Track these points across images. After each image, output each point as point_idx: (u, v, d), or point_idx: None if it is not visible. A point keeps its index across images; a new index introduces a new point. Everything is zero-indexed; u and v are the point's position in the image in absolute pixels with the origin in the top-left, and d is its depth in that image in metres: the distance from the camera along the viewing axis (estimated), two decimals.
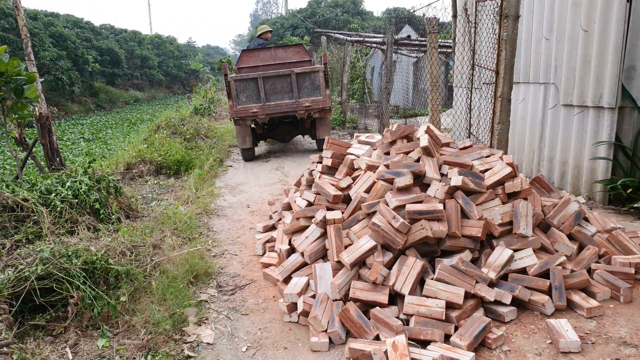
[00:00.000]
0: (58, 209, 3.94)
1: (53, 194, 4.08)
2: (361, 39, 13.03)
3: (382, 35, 11.52)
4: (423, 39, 10.49)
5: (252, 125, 8.67)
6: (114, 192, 4.77)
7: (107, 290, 3.09)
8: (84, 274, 2.99)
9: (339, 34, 15.99)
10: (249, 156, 8.84)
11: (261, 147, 10.03)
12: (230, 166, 8.35)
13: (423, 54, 12.61)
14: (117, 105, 29.35)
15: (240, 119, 8.09)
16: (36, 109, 4.97)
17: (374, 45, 12.72)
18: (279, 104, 8.08)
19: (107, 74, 31.00)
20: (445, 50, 12.01)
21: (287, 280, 3.42)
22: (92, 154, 10.59)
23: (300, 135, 10.10)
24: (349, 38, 13.10)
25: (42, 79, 5.36)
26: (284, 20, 33.41)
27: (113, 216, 4.46)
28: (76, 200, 4.17)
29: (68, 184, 4.25)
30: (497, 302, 2.85)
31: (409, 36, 11.98)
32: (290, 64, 8.67)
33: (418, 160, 3.57)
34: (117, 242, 3.58)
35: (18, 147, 5.22)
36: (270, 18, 50.81)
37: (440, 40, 11.67)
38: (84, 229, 3.84)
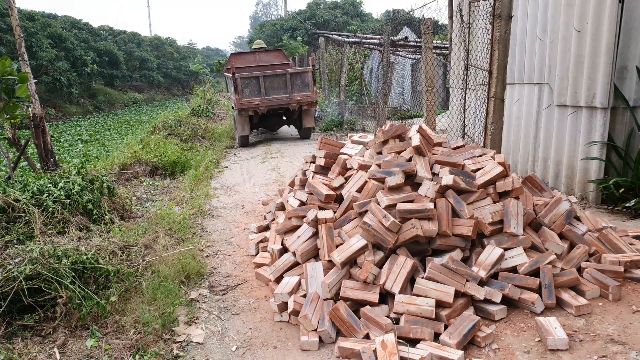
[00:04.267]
0: (50, 209, 3.94)
1: (45, 195, 4.07)
2: (359, 40, 13.04)
3: (379, 37, 11.53)
4: (420, 40, 10.50)
5: (251, 115, 10.01)
6: (108, 193, 4.77)
7: (96, 290, 3.09)
8: (73, 273, 2.98)
9: (337, 35, 16.01)
10: (245, 142, 10.35)
11: (258, 149, 10.05)
12: (227, 167, 8.35)
13: (421, 56, 12.62)
14: (115, 107, 29.32)
15: (244, 109, 9.62)
16: (29, 109, 4.96)
17: (372, 46, 12.72)
18: (276, 98, 9.69)
19: (106, 76, 30.95)
20: (443, 52, 12.02)
21: (279, 280, 3.42)
22: (89, 156, 10.59)
23: (294, 129, 11.55)
24: (346, 39, 13.12)
25: (36, 80, 5.35)
26: (283, 22, 33.43)
27: (106, 217, 4.46)
28: (69, 201, 4.16)
29: (61, 184, 4.25)
30: (487, 301, 2.85)
31: (406, 37, 11.97)
32: (271, 66, 10.46)
33: (410, 160, 3.57)
34: (108, 242, 3.58)
35: (11, 147, 5.20)
36: (269, 20, 50.86)
37: (439, 41, 11.70)
38: (75, 229, 3.84)
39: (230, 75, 9.72)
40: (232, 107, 10.72)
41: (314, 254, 3.44)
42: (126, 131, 16.99)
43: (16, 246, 3.24)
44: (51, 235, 3.63)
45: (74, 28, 29.35)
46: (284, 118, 10.96)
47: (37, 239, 3.43)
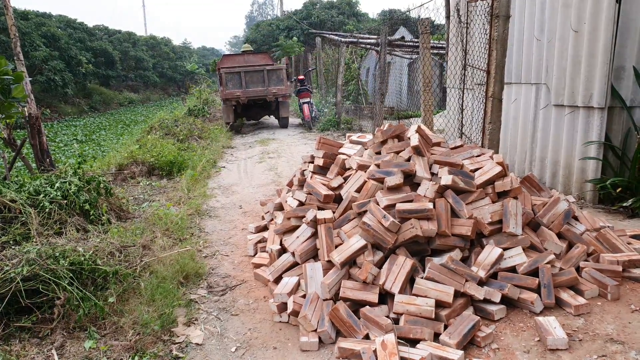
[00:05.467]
0: (47, 210, 3.91)
1: (42, 195, 4.04)
2: (355, 40, 13.03)
3: (376, 37, 11.54)
4: (417, 40, 10.49)
5: (234, 105, 11.94)
6: (105, 193, 4.74)
7: (94, 291, 3.07)
8: (71, 274, 2.96)
9: (333, 35, 16.00)
10: (231, 127, 12.54)
11: (255, 149, 10.03)
12: (224, 167, 8.32)
13: (417, 56, 12.60)
14: (111, 107, 29.16)
15: (228, 99, 11.56)
16: (25, 109, 4.92)
17: (368, 46, 12.72)
18: (255, 90, 11.57)
19: (101, 76, 30.77)
20: (440, 52, 12.04)
21: (278, 280, 3.41)
22: (84, 156, 10.54)
23: (280, 119, 13.26)
24: (343, 39, 13.11)
25: (31, 78, 5.31)
26: (279, 22, 33.37)
27: (103, 217, 4.43)
28: (65, 201, 4.13)
29: (57, 184, 4.21)
30: (487, 301, 2.85)
31: (402, 37, 11.98)
32: (257, 66, 12.14)
33: (409, 160, 3.57)
34: (106, 243, 3.56)
35: (7, 148, 5.16)
36: (265, 19, 50.77)
37: (435, 41, 11.71)
38: (72, 230, 3.81)
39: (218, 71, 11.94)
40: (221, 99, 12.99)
41: (313, 254, 3.43)
42: (122, 131, 16.92)
43: (13, 247, 3.21)
44: (48, 236, 3.60)
45: (69, 27, 29.16)
46: (265, 109, 13.07)
47: (34, 240, 3.41)
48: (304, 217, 3.61)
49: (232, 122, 12.35)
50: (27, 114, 4.96)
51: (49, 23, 24.62)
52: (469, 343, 2.59)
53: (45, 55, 21.57)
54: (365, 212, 3.26)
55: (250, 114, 13.05)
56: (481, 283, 2.91)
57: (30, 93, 5.04)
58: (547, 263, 3.00)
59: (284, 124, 12.83)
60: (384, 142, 3.86)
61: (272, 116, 13.51)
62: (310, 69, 18.69)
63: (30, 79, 5.22)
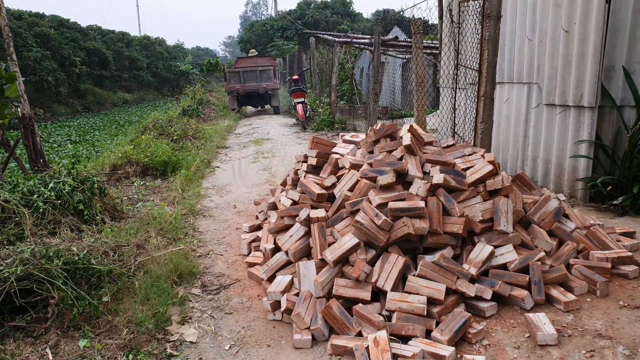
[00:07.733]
0: (40, 210, 3.90)
1: (35, 195, 4.04)
2: (349, 40, 13.05)
3: (370, 37, 11.57)
4: (411, 40, 10.50)
5: (236, 95, 16.73)
6: (99, 193, 4.74)
7: (89, 291, 3.07)
8: (65, 274, 2.96)
9: (327, 35, 16.03)
10: (234, 111, 16.94)
11: (249, 149, 10.04)
12: (218, 167, 8.32)
13: (411, 55, 12.60)
14: (105, 107, 29.04)
15: (230, 91, 16.50)
16: (18, 109, 4.91)
17: (362, 46, 12.76)
18: (251, 85, 16.28)
19: (95, 76, 30.63)
20: (433, 52, 12.09)
21: (271, 279, 3.43)
22: (78, 156, 10.50)
23: (276, 112, 17.48)
24: (337, 39, 13.13)
25: (24, 78, 5.29)
26: (274, 22, 33.38)
27: (97, 217, 4.43)
28: (59, 201, 4.13)
29: (51, 185, 4.21)
30: (478, 298, 2.88)
31: (396, 37, 12.02)
32: (252, 67, 16.51)
33: (401, 159, 3.60)
34: (100, 243, 3.56)
35: (0, 148, 5.15)
36: (259, 20, 50.71)
37: (428, 41, 11.76)
38: (66, 230, 3.81)
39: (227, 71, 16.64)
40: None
41: (307, 253, 3.45)
42: (116, 131, 16.86)
43: (7, 247, 3.21)
44: (42, 236, 3.60)
45: (61, 27, 28.99)
46: (261, 99, 17.41)
47: (28, 240, 3.40)
48: (297, 216, 3.64)
49: (237, 109, 17.07)
50: (20, 114, 4.94)
51: (41, 23, 24.48)
52: (460, 339, 2.62)
53: (39, 55, 21.45)
54: (358, 210, 3.29)
55: (250, 102, 17.68)
56: (472, 280, 2.95)
57: (23, 93, 5.02)
58: (538, 260, 3.03)
59: (276, 111, 17.17)
60: (376, 142, 3.89)
61: (268, 105, 17.91)
62: (304, 69, 18.71)
63: (24, 79, 5.20)
